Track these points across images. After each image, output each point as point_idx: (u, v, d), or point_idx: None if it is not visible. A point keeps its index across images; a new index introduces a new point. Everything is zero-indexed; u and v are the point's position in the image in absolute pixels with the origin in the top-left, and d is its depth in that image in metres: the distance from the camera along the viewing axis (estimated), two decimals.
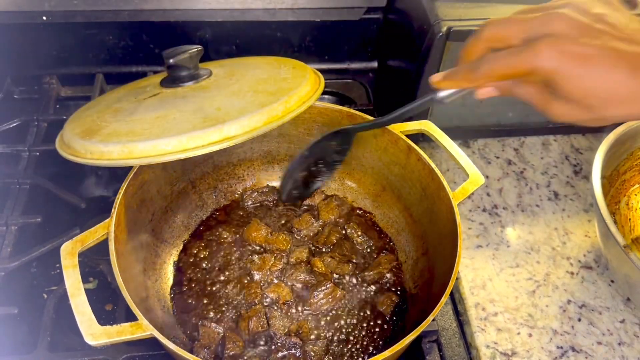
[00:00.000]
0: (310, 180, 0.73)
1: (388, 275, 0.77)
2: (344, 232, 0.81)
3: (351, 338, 0.71)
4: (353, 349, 0.70)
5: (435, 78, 0.55)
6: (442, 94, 0.55)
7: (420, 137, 0.81)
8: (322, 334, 0.71)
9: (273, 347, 0.68)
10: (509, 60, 0.48)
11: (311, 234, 0.81)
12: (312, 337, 0.70)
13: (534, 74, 0.47)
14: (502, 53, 0.49)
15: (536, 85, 0.49)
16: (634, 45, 0.45)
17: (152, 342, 0.58)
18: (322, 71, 0.75)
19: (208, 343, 0.68)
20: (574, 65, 0.45)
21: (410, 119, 0.62)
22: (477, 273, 0.81)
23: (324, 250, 0.79)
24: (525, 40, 0.48)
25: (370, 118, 0.76)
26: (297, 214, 0.84)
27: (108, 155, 0.60)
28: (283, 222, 0.83)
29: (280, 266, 0.77)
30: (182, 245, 0.80)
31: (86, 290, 0.59)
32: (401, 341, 0.57)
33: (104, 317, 0.73)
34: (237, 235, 0.80)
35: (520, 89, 0.51)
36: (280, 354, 0.67)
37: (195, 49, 0.69)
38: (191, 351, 0.67)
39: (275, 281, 0.75)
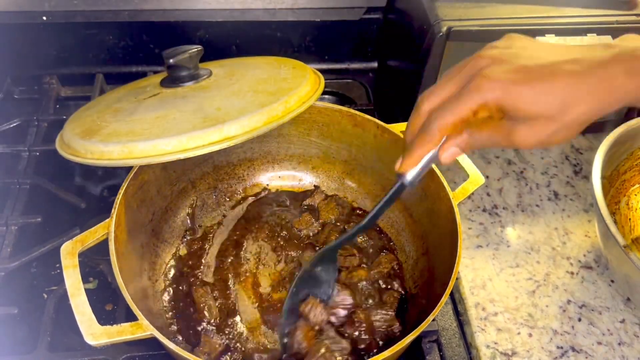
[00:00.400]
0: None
1: (388, 274, 0.77)
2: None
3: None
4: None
5: (397, 166, 0.55)
6: (409, 176, 0.54)
7: None
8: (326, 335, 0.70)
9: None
10: (456, 106, 0.49)
11: (311, 233, 0.81)
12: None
13: (485, 110, 0.48)
14: (446, 105, 0.50)
15: (491, 126, 0.50)
16: (565, 55, 0.48)
17: (152, 342, 0.58)
18: (322, 71, 0.75)
19: (209, 351, 0.68)
20: (518, 84, 0.47)
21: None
22: (477, 273, 0.81)
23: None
24: (460, 90, 0.50)
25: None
26: (297, 214, 0.84)
27: (108, 155, 0.60)
28: (284, 223, 0.83)
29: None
30: (182, 244, 0.79)
31: (86, 290, 0.59)
32: (401, 341, 0.57)
33: (104, 317, 0.73)
34: (240, 238, 0.81)
35: (479, 136, 0.51)
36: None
37: (195, 49, 0.69)
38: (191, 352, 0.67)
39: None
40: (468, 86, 0.48)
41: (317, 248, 0.79)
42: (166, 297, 0.74)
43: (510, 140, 0.49)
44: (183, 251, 0.79)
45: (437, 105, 0.51)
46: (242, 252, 0.79)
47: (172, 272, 0.77)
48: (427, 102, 0.52)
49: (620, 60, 0.47)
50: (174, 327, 0.71)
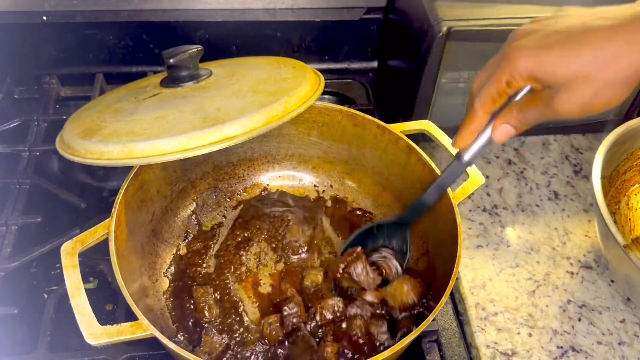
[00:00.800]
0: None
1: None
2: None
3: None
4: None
5: (455, 143, 0.58)
6: (467, 156, 0.58)
7: (420, 137, 0.81)
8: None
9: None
10: (492, 81, 0.51)
11: (307, 239, 0.80)
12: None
13: (521, 80, 0.49)
14: (485, 84, 0.53)
15: (537, 101, 0.50)
16: (593, 15, 0.47)
17: (152, 342, 0.58)
18: (322, 71, 0.75)
19: (209, 350, 0.68)
20: (549, 52, 0.47)
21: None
22: (477, 273, 0.81)
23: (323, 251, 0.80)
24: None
25: (380, 123, 0.77)
26: (298, 214, 0.84)
27: (108, 155, 0.60)
28: (284, 223, 0.82)
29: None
30: (182, 244, 0.79)
31: (86, 290, 0.59)
32: (401, 341, 0.57)
33: (104, 317, 0.73)
34: (240, 238, 0.80)
35: (527, 112, 0.52)
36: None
37: (195, 49, 0.69)
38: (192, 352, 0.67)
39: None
40: (500, 59, 0.50)
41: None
42: (166, 296, 0.74)
43: (554, 109, 0.49)
44: (183, 251, 0.79)
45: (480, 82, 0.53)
46: (242, 252, 0.79)
47: (172, 271, 0.77)
48: (475, 82, 0.54)
49: None
50: (174, 327, 0.71)
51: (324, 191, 0.87)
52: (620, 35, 0.45)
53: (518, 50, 0.48)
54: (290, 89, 0.67)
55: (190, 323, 0.71)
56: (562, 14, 0.50)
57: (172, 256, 0.78)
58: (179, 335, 0.70)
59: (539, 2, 0.84)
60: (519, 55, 0.48)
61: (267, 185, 0.87)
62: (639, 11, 0.45)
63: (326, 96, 1.05)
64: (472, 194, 0.73)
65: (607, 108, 0.48)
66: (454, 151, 0.74)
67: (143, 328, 0.56)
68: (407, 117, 0.90)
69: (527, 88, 0.53)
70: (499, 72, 0.50)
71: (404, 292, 0.69)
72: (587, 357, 0.73)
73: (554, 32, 0.48)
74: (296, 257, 0.79)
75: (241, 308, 0.73)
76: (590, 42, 0.45)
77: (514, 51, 0.49)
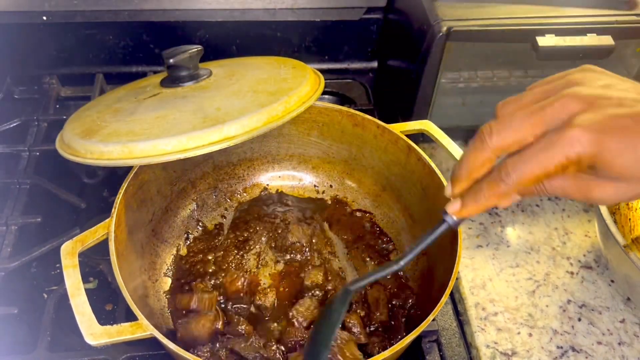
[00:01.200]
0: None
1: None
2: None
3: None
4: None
5: (454, 207, 0.49)
6: (457, 219, 0.49)
7: (420, 137, 0.81)
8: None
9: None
10: (543, 159, 0.42)
11: (308, 239, 0.80)
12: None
13: (575, 164, 0.41)
14: (529, 153, 0.42)
15: (569, 176, 0.43)
16: None
17: (152, 342, 0.58)
18: (322, 71, 0.75)
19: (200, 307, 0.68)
20: (616, 140, 0.40)
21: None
22: (477, 273, 0.81)
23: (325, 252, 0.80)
24: (544, 134, 0.42)
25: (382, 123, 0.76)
26: (299, 214, 0.84)
27: (108, 155, 0.60)
28: (285, 224, 0.82)
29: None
30: (182, 244, 0.79)
31: (86, 290, 0.59)
32: (401, 341, 0.57)
33: (104, 317, 0.73)
34: (240, 238, 0.80)
35: (551, 186, 0.44)
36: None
37: (195, 49, 0.69)
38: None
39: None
40: (559, 135, 0.41)
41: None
42: (166, 297, 0.74)
43: (588, 196, 0.44)
44: (183, 251, 0.79)
45: (511, 145, 0.44)
46: (242, 252, 0.79)
47: (172, 271, 0.77)
48: (498, 137, 0.44)
49: None
50: (174, 327, 0.71)
51: (324, 191, 0.87)
52: None
53: (582, 132, 0.40)
54: (290, 89, 0.67)
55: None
56: (604, 83, 0.44)
57: (172, 256, 0.78)
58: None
59: (539, 2, 0.84)
60: (589, 137, 0.40)
61: (267, 185, 0.87)
62: None
63: (326, 96, 1.05)
64: None
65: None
66: (453, 153, 0.74)
67: (143, 328, 0.56)
68: (407, 117, 0.90)
69: None
70: (556, 152, 0.41)
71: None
72: (587, 357, 0.73)
73: (617, 117, 0.41)
74: (297, 257, 0.79)
75: (241, 308, 0.73)
76: None
77: (581, 130, 0.40)
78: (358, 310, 0.72)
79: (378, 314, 0.72)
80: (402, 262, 0.54)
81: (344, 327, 0.69)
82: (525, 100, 0.45)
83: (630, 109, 0.41)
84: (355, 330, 0.69)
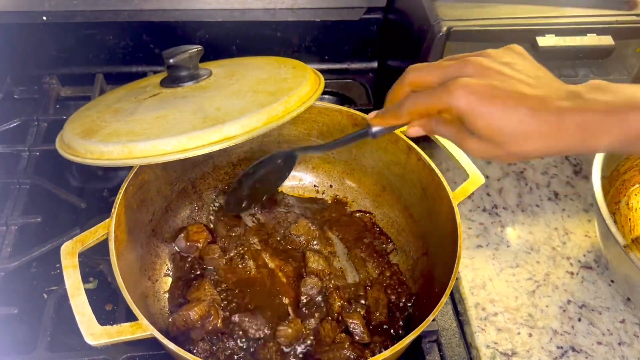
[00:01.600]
0: (254, 194, 0.77)
1: (388, 274, 0.77)
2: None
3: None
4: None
5: (370, 115, 0.61)
6: (374, 129, 0.61)
7: (420, 137, 0.81)
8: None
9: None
10: (427, 99, 0.53)
11: (310, 238, 0.81)
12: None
13: (448, 112, 0.52)
14: (422, 93, 0.54)
15: (454, 125, 0.54)
16: (536, 89, 0.50)
17: (152, 342, 0.58)
18: (322, 71, 0.75)
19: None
20: (481, 104, 0.49)
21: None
22: (477, 273, 0.81)
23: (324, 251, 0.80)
24: (441, 83, 0.53)
25: None
26: (299, 215, 0.84)
27: (108, 155, 0.60)
28: (285, 225, 0.83)
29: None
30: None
31: (86, 290, 0.59)
32: (401, 341, 0.57)
33: (104, 317, 0.73)
34: (240, 238, 0.81)
35: (441, 128, 0.55)
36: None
37: (195, 49, 0.69)
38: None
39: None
40: (444, 86, 0.51)
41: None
42: (167, 296, 0.74)
43: (462, 145, 0.54)
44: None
45: (420, 83, 0.55)
46: (242, 252, 0.79)
47: (173, 271, 0.77)
48: (413, 75, 0.56)
49: (577, 111, 0.48)
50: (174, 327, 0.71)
51: (324, 191, 0.87)
52: (539, 125, 0.49)
53: (460, 89, 0.50)
54: (290, 89, 0.67)
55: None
56: (512, 60, 0.53)
57: (172, 256, 0.78)
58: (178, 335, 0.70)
59: (539, 2, 0.84)
60: (459, 96, 0.50)
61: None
62: (563, 106, 0.49)
63: (326, 96, 1.05)
64: (472, 194, 0.73)
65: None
66: (453, 152, 0.74)
67: (143, 328, 0.56)
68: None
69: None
70: (437, 98, 0.52)
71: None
72: (587, 357, 0.73)
73: (494, 87, 0.50)
74: (296, 251, 0.79)
75: (241, 308, 0.73)
76: (513, 119, 0.49)
77: (457, 89, 0.50)
78: (358, 310, 0.72)
79: (377, 314, 0.72)
80: (323, 148, 0.72)
81: (346, 331, 0.69)
82: (446, 58, 0.56)
83: (508, 86, 0.50)
84: (357, 330, 0.69)
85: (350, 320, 0.70)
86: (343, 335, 0.69)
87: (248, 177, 0.73)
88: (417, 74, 0.56)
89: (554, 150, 0.50)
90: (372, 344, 0.69)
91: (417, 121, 0.57)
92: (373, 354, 0.66)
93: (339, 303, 0.72)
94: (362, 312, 0.72)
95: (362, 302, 0.74)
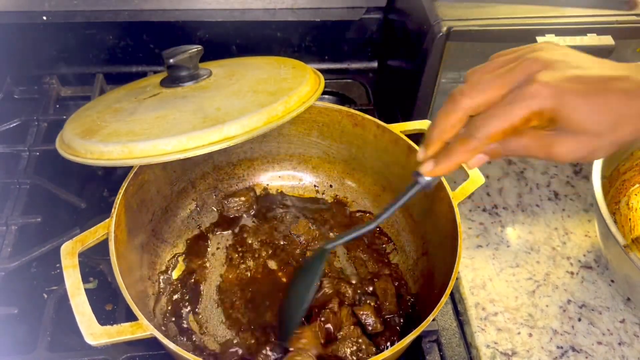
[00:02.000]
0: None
1: (387, 273, 0.77)
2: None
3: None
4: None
5: (427, 167, 0.51)
6: (428, 179, 0.51)
7: (420, 137, 0.81)
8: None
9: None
10: (507, 115, 0.46)
11: (310, 238, 0.81)
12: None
13: (537, 117, 0.46)
14: (494, 112, 0.46)
15: (530, 135, 0.47)
16: (612, 70, 0.46)
17: (152, 342, 0.58)
18: (322, 71, 0.75)
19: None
20: (573, 97, 0.44)
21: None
22: (477, 273, 0.81)
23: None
24: (509, 93, 0.46)
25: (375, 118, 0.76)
26: (299, 215, 0.84)
27: (108, 155, 0.60)
28: (284, 225, 0.83)
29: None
30: (182, 244, 0.79)
31: (86, 290, 0.59)
32: (401, 341, 0.57)
33: (104, 317, 0.73)
34: (240, 239, 0.81)
35: (514, 145, 0.48)
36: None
37: (195, 49, 0.69)
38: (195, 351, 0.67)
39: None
40: (522, 91, 0.45)
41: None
42: (167, 296, 0.74)
43: (549, 152, 0.47)
44: (184, 250, 0.79)
45: (480, 105, 0.47)
46: (242, 252, 0.79)
47: (173, 272, 0.77)
48: (469, 98, 0.48)
49: None
50: (175, 327, 0.71)
51: (324, 191, 0.87)
52: (636, 104, 0.45)
53: (545, 87, 0.44)
54: (290, 89, 0.67)
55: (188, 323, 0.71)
56: (563, 52, 0.48)
57: (172, 256, 0.78)
58: (179, 335, 0.70)
59: (539, 2, 0.84)
60: (547, 94, 0.44)
61: (267, 185, 0.87)
62: None
63: (326, 96, 1.05)
64: (472, 194, 0.73)
65: (591, 161, 0.48)
66: None
67: (143, 328, 0.56)
68: (407, 117, 0.90)
69: None
70: (521, 107, 0.45)
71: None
72: (587, 357, 0.73)
73: (577, 77, 0.45)
74: (296, 251, 0.79)
75: (242, 308, 0.73)
76: (611, 103, 0.45)
77: (541, 88, 0.44)
78: (368, 301, 0.73)
79: (387, 304, 0.73)
80: (376, 222, 0.59)
81: (359, 323, 0.70)
82: (491, 66, 0.49)
83: (586, 71, 0.45)
84: (369, 321, 0.70)
85: (361, 312, 0.71)
86: (352, 327, 0.69)
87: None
88: (473, 95, 0.47)
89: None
90: (386, 333, 0.70)
91: (490, 145, 0.48)
92: (383, 346, 0.68)
93: (349, 293, 0.73)
94: (372, 304, 0.72)
95: (370, 293, 0.74)
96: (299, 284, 0.66)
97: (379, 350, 0.68)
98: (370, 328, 0.70)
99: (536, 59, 0.47)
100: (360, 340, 0.68)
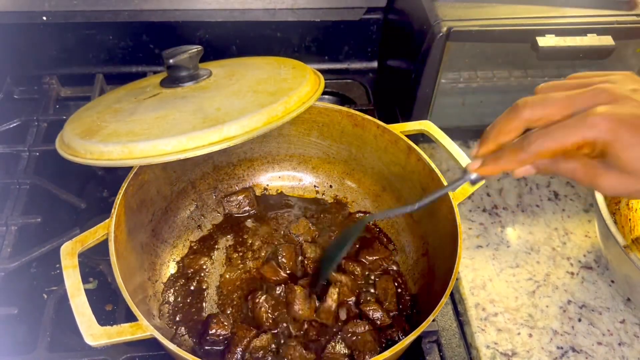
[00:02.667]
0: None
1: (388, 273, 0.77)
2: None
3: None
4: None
5: (474, 165, 0.53)
6: (474, 176, 0.54)
7: (420, 137, 0.81)
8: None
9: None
10: (562, 135, 0.47)
11: (309, 238, 0.81)
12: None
13: (589, 146, 0.46)
14: (552, 130, 0.47)
15: (580, 160, 0.48)
16: None
17: (152, 342, 0.58)
18: (322, 71, 0.75)
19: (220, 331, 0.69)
20: (629, 134, 0.45)
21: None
22: (477, 273, 0.81)
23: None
24: (570, 115, 0.47)
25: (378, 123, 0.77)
26: (299, 215, 0.84)
27: (108, 155, 0.60)
28: (285, 224, 0.83)
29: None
30: (182, 245, 0.79)
31: (86, 291, 0.59)
32: (401, 341, 0.57)
33: (104, 318, 0.73)
34: (240, 238, 0.81)
35: (563, 165, 0.49)
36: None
37: (195, 49, 0.69)
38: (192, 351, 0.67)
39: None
40: (581, 118, 0.46)
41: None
42: (166, 296, 0.74)
43: (594, 181, 0.48)
44: (183, 251, 0.79)
45: (540, 119, 0.49)
46: (242, 253, 0.79)
47: (173, 272, 0.77)
48: (530, 110, 0.49)
49: None
50: (174, 328, 0.71)
51: (324, 192, 0.87)
52: None
53: (605, 120, 0.45)
54: (290, 89, 0.67)
55: (191, 324, 0.71)
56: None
57: (172, 256, 0.78)
58: (178, 336, 0.70)
59: (539, 2, 0.84)
60: (604, 127, 0.45)
61: (267, 185, 0.87)
62: None
63: (326, 96, 1.05)
64: (472, 194, 0.73)
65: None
66: (453, 152, 0.74)
67: (143, 329, 0.56)
68: (407, 117, 0.90)
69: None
70: (577, 132, 0.46)
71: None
72: (587, 357, 0.73)
73: (636, 113, 0.45)
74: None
75: (242, 308, 0.73)
76: None
77: (601, 119, 0.45)
78: (369, 298, 0.73)
79: (387, 304, 0.73)
80: (417, 205, 0.60)
81: (365, 317, 0.71)
82: (563, 86, 0.50)
83: None
84: (377, 315, 0.71)
85: (368, 308, 0.71)
86: (359, 321, 0.70)
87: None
88: (535, 108, 0.48)
89: None
90: (394, 326, 0.71)
91: (539, 159, 0.50)
92: (392, 341, 0.69)
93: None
94: (373, 300, 0.73)
95: (372, 291, 0.75)
96: (335, 245, 0.73)
97: (393, 342, 0.69)
98: (379, 322, 0.71)
99: (606, 90, 0.47)
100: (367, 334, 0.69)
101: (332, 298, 0.71)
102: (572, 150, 0.47)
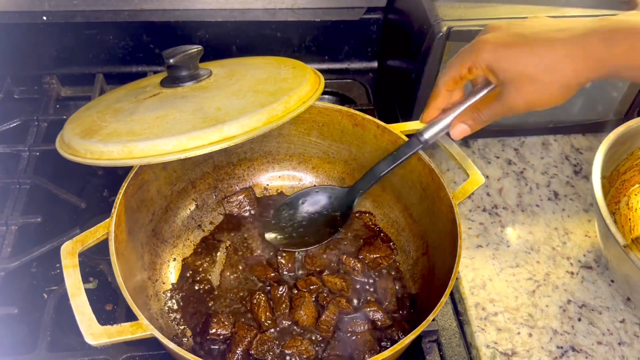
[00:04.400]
0: (302, 232, 0.77)
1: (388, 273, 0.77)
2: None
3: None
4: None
5: (421, 118, 0.67)
6: (426, 135, 0.67)
7: None
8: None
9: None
10: (453, 64, 0.60)
11: None
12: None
13: (478, 69, 0.58)
14: (449, 62, 0.61)
15: (494, 101, 0.59)
16: (556, 25, 0.55)
17: (152, 342, 0.58)
18: (322, 71, 0.75)
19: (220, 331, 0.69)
20: (505, 48, 0.55)
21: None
22: (477, 273, 0.81)
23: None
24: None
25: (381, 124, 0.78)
26: None
27: (108, 155, 0.60)
28: None
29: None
30: (182, 244, 0.79)
31: (86, 290, 0.59)
32: (401, 341, 0.57)
33: (104, 317, 0.73)
34: (238, 238, 0.81)
35: (485, 112, 0.60)
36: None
37: (195, 49, 0.69)
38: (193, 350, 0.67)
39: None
40: (469, 46, 0.58)
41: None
42: (167, 296, 0.74)
43: (505, 104, 0.57)
44: (183, 251, 0.79)
45: (451, 79, 0.61)
46: (241, 253, 0.79)
47: (173, 271, 0.77)
48: (442, 77, 0.62)
49: (600, 30, 0.52)
50: (175, 327, 0.71)
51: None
52: (563, 47, 0.53)
53: (483, 43, 0.56)
54: (290, 89, 0.67)
55: (191, 324, 0.71)
56: (532, 20, 0.58)
57: (172, 256, 0.78)
58: (179, 335, 0.70)
59: (539, 2, 0.84)
60: (483, 47, 0.56)
61: (267, 185, 0.87)
62: (589, 28, 0.53)
63: (326, 96, 1.05)
64: (472, 194, 0.73)
65: (549, 107, 0.56)
66: (453, 152, 0.74)
67: (143, 328, 0.56)
68: (407, 117, 0.90)
69: (482, 93, 0.62)
70: (464, 59, 0.58)
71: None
72: (587, 357, 0.73)
73: (517, 33, 0.55)
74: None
75: (242, 307, 0.73)
76: (539, 48, 0.53)
77: (480, 43, 0.57)
78: (369, 298, 0.74)
79: (387, 304, 0.73)
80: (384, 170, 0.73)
81: (367, 318, 0.71)
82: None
83: (526, 29, 0.56)
84: (377, 316, 0.71)
85: (369, 309, 0.72)
86: (359, 321, 0.71)
87: (295, 205, 0.77)
88: (444, 73, 0.61)
89: (587, 72, 0.53)
90: (394, 326, 0.71)
91: (458, 119, 0.62)
92: (393, 341, 0.69)
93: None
94: (373, 299, 0.73)
95: (372, 290, 0.75)
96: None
97: (393, 342, 0.70)
98: (379, 323, 0.71)
99: (489, 25, 0.59)
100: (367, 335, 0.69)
101: (333, 313, 0.70)
102: (466, 75, 0.59)
